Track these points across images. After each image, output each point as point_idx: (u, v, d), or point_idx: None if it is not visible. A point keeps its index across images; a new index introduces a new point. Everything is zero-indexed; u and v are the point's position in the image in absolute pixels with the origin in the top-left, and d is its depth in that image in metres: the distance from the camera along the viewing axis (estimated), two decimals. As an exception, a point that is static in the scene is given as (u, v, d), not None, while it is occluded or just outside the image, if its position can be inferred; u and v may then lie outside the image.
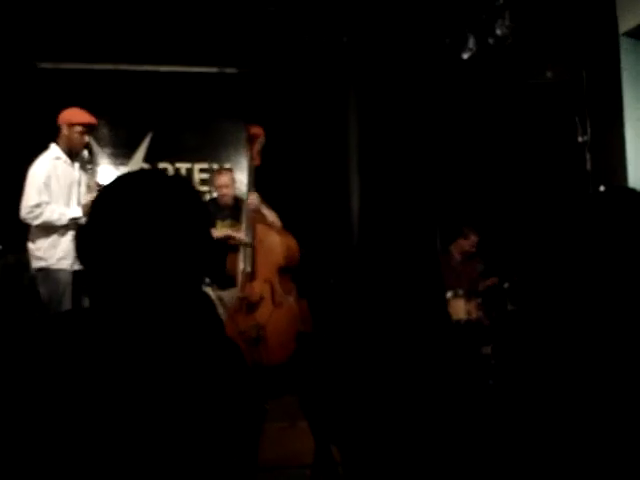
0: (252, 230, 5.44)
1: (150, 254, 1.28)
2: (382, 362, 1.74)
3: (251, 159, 5.61)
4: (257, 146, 5.59)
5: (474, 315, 5.74)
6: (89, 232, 1.32)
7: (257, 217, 5.53)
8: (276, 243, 5.47)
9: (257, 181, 5.59)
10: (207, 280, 5.18)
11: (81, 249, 1.33)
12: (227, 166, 6.77)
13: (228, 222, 5.61)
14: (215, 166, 6.95)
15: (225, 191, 5.66)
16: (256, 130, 5.63)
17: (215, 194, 5.89)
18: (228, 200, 5.66)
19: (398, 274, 1.84)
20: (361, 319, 1.81)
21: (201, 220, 1.37)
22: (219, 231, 5.45)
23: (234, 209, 5.64)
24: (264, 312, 5.34)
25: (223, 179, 5.73)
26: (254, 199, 5.47)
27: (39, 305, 4.56)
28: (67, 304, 4.48)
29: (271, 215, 5.58)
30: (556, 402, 1.32)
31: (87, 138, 4.76)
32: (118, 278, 1.29)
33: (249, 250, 5.40)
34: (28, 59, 6.36)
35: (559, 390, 1.33)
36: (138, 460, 1.20)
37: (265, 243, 5.47)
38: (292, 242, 5.56)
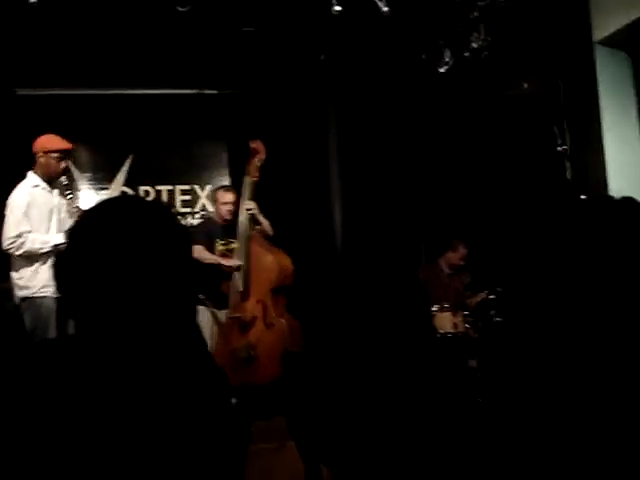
0: (247, 249, 5.41)
1: (130, 280, 1.28)
2: (368, 378, 1.73)
3: (249, 174, 5.54)
4: (256, 161, 5.52)
5: (460, 328, 5.72)
6: (68, 259, 1.31)
7: (253, 235, 5.48)
8: (270, 263, 5.42)
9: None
10: (202, 297, 5.07)
11: (60, 276, 1.32)
12: (210, 187, 6.79)
13: (226, 241, 5.53)
14: (197, 187, 6.96)
15: (230, 208, 5.54)
16: (255, 145, 5.57)
17: (212, 212, 5.83)
18: (229, 218, 5.56)
19: (382, 288, 1.84)
20: (346, 334, 1.80)
21: (181, 245, 1.37)
22: (211, 257, 5.36)
23: (232, 227, 5.55)
24: (256, 332, 5.31)
25: (230, 196, 5.60)
26: (254, 204, 5.46)
27: (24, 334, 4.52)
28: (52, 331, 4.44)
29: (266, 222, 5.53)
30: (545, 414, 1.31)
31: (64, 164, 4.71)
32: (98, 305, 1.28)
33: (242, 269, 5.37)
34: (7, 86, 6.33)
35: (548, 402, 1.32)
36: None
37: (259, 263, 5.41)
38: (286, 261, 5.49)
